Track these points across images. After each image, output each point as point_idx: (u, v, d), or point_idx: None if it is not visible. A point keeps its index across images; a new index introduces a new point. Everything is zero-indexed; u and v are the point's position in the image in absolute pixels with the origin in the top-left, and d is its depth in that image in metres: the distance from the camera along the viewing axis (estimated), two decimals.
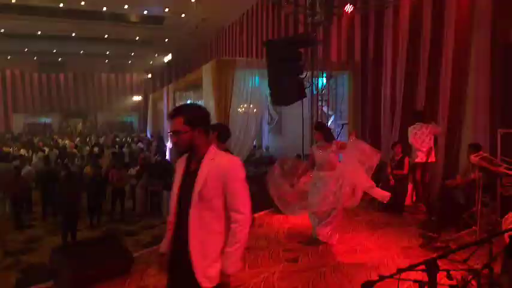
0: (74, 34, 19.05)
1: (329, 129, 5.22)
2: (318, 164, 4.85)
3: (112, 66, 26.00)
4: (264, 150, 13.66)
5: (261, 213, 6.57)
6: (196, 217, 2.09)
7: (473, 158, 4.78)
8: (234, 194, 2.08)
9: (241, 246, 2.07)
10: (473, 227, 4.74)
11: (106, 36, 19.61)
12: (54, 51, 22.24)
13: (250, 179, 7.47)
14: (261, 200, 6.99)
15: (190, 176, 2.17)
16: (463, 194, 5.64)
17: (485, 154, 4.94)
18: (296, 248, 4.82)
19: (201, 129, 2.12)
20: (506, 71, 5.78)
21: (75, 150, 13.49)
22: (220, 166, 2.09)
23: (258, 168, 10.87)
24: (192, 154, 2.21)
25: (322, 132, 4.88)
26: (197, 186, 2.08)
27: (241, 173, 2.14)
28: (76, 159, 10.62)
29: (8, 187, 7.97)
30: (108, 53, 23.26)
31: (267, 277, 3.98)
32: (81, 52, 22.49)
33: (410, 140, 6.45)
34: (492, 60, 5.93)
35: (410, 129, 6.47)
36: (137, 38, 20.16)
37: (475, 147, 5.37)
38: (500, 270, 3.36)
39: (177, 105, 13.30)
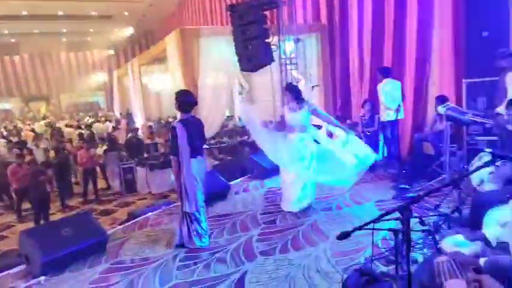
0: (24, 12, 17.78)
1: (299, 89, 5.11)
2: (289, 126, 4.80)
3: (70, 45, 24.62)
4: (237, 120, 13.55)
5: (237, 180, 6.56)
6: None
7: (441, 109, 4.88)
8: None
9: None
10: (443, 176, 4.91)
11: (60, 13, 18.43)
12: (6, 32, 20.81)
13: (225, 148, 7.45)
14: (237, 168, 7.03)
15: None
16: (432, 146, 5.80)
17: (451, 104, 5.06)
18: (274, 210, 4.85)
19: None
20: (468, 23, 5.84)
21: (30, 134, 12.89)
22: None
23: (232, 138, 10.84)
24: None
25: (291, 92, 4.80)
26: None
27: None
28: (40, 142, 10.17)
29: None
30: (64, 30, 21.97)
31: (246, 240, 4.00)
32: (35, 31, 21.14)
33: (381, 98, 6.46)
34: (454, 12, 5.96)
35: (380, 86, 6.46)
36: (94, 12, 19.08)
37: (441, 99, 5.49)
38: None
39: (143, 80, 12.95)
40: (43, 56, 24.54)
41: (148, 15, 19.85)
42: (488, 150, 2.75)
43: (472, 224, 3.02)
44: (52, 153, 8.53)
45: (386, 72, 6.40)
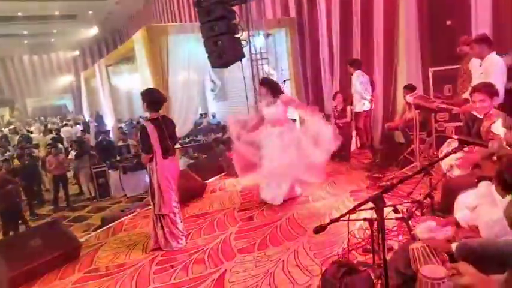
0: None
1: (275, 83, 5.07)
2: (268, 120, 4.79)
3: (33, 47, 23.59)
4: (211, 117, 13.44)
5: (213, 179, 6.49)
6: None
7: (409, 98, 4.98)
8: None
9: None
10: (414, 163, 5.01)
11: (19, 13, 17.59)
12: None
13: (199, 146, 7.29)
14: (212, 166, 6.95)
15: None
16: (403, 134, 5.92)
17: (419, 93, 5.17)
18: (251, 207, 4.82)
19: None
20: (432, 12, 5.98)
21: None
22: None
23: (207, 136, 10.74)
24: None
25: (267, 86, 4.76)
26: None
27: None
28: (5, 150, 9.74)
29: None
30: (25, 32, 21.04)
31: (224, 239, 3.95)
32: None
33: (358, 88, 6.35)
34: (419, 1, 6.08)
35: (354, 77, 6.40)
36: (56, 12, 18.34)
37: (409, 88, 5.61)
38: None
39: (112, 80, 12.59)
40: (4, 59, 23.45)
41: (114, 14, 19.31)
42: (455, 136, 2.81)
43: (444, 209, 3.09)
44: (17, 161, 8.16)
45: (357, 64, 6.46)
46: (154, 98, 3.82)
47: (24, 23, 18.84)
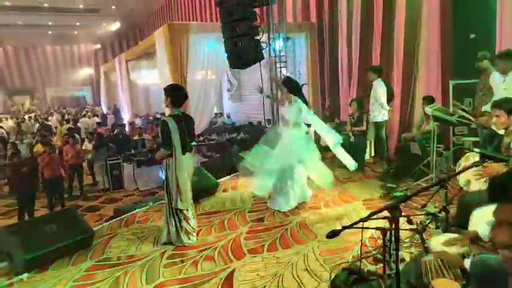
0: (7, 3, 17.31)
1: (294, 84, 5.08)
2: (282, 118, 4.84)
3: (56, 38, 24.11)
4: (226, 117, 13.51)
5: (225, 178, 6.53)
6: None
7: (428, 109, 4.93)
8: None
9: None
10: (429, 175, 4.96)
11: (46, 4, 18.02)
12: None
13: (213, 145, 7.30)
14: (225, 165, 6.98)
15: None
16: (419, 146, 5.86)
17: (438, 105, 5.12)
18: (262, 208, 4.84)
19: None
20: (454, 23, 5.91)
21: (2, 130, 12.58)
22: None
23: (221, 135, 10.80)
24: None
25: (286, 86, 4.84)
26: None
27: None
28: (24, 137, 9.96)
29: None
30: (50, 23, 21.51)
31: (234, 238, 3.97)
32: (19, 23, 20.64)
33: (380, 96, 6.18)
34: (441, 12, 6.03)
35: (377, 85, 6.25)
36: (81, 6, 18.74)
37: (428, 100, 5.56)
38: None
39: (131, 75, 12.77)
40: (28, 48, 24.00)
41: (137, 10, 19.60)
42: (476, 150, 2.78)
43: (459, 224, 3.05)
44: (38, 147, 8.30)
45: (380, 72, 6.36)
46: (179, 95, 3.88)
47: (49, 14, 19.28)
